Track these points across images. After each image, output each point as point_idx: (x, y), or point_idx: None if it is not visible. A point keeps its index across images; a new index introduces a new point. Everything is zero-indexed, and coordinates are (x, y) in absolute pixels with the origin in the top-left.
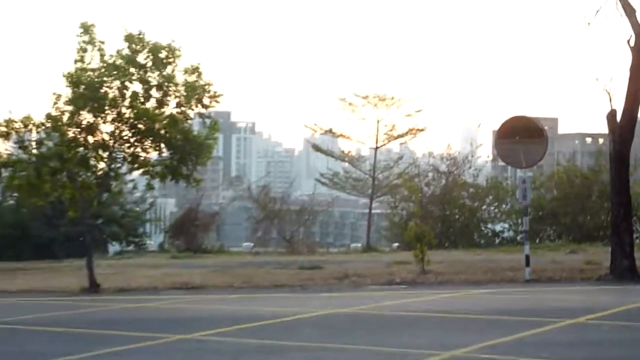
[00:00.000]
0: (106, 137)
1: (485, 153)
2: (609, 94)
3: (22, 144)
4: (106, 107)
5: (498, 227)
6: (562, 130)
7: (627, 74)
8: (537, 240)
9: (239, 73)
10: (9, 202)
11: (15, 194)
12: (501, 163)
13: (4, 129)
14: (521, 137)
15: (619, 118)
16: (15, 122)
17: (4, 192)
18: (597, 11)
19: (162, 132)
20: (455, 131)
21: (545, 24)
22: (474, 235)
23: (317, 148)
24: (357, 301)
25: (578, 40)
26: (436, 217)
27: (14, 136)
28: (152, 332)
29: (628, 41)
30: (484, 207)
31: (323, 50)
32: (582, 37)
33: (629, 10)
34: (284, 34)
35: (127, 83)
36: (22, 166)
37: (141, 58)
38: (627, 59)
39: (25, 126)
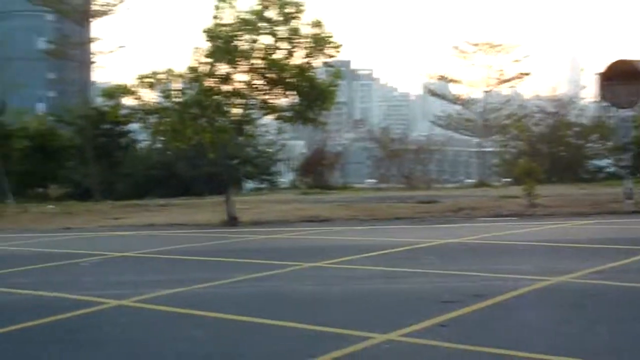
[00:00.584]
0: (240, 86)
1: (589, 95)
2: None
3: (166, 93)
4: (239, 59)
5: (602, 163)
6: None
7: None
8: (638, 174)
9: (357, 23)
10: (156, 146)
11: (162, 138)
12: (605, 103)
13: (150, 79)
14: (623, 79)
15: None
16: (160, 73)
17: (151, 137)
18: None
19: (291, 80)
20: (561, 74)
21: None
22: (579, 170)
23: (432, 92)
24: (469, 232)
25: None
26: (543, 155)
27: (159, 86)
28: (285, 261)
29: None
30: (589, 144)
31: (435, 1)
32: None
33: None
34: None
35: (258, 36)
36: (166, 113)
37: (271, 13)
38: None
39: (169, 77)
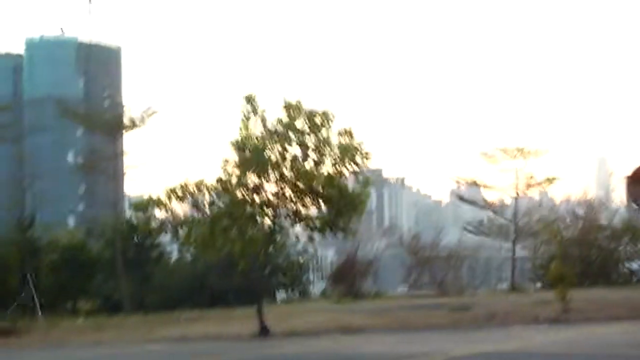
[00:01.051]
0: (270, 196)
1: (618, 197)
2: None
3: (196, 205)
4: (269, 169)
5: (635, 266)
6: None
7: None
8: None
9: (389, 132)
10: (186, 257)
11: (192, 249)
12: (634, 206)
13: (180, 192)
14: None
15: None
16: (190, 186)
17: (181, 248)
18: None
19: (320, 189)
20: (591, 177)
21: None
22: (611, 274)
23: (462, 199)
24: (504, 339)
25: None
26: (575, 258)
27: (189, 198)
28: None
29: None
30: (621, 247)
31: (463, 109)
32: None
33: None
34: (425, 97)
35: (287, 146)
36: (197, 225)
37: (299, 124)
38: None
39: (199, 189)
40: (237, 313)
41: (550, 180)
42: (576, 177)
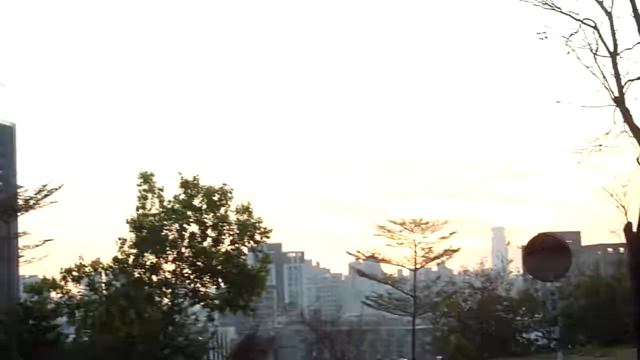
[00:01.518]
0: (168, 275)
1: (515, 268)
2: (624, 208)
3: (92, 286)
4: (167, 248)
5: (532, 336)
6: (585, 242)
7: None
8: (569, 346)
9: (287, 207)
10: (84, 339)
11: (89, 332)
12: (530, 276)
13: (75, 273)
14: (547, 252)
15: (635, 230)
16: (86, 266)
17: (78, 331)
18: (606, 134)
19: (219, 267)
20: (487, 248)
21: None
22: (510, 344)
23: (361, 273)
24: None
25: (590, 159)
26: (474, 330)
27: (84, 279)
28: None
29: (637, 159)
30: (518, 317)
31: (359, 185)
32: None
33: (636, 132)
34: (320, 170)
35: (185, 225)
36: (93, 306)
37: (197, 201)
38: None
39: (95, 269)
40: None
41: (448, 252)
42: (473, 248)
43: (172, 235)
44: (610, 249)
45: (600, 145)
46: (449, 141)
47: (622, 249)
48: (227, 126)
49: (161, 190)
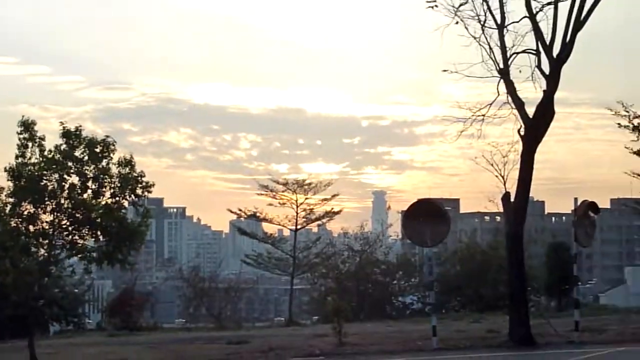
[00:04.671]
0: (46, 226)
1: (394, 232)
2: (503, 178)
3: None
4: (46, 199)
5: (408, 300)
6: (463, 209)
7: (519, 160)
8: (444, 311)
9: (169, 162)
10: None
11: None
12: (409, 241)
13: None
14: (426, 218)
15: (512, 200)
16: None
17: None
18: (490, 104)
19: (98, 220)
20: (367, 212)
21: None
22: (386, 307)
23: (242, 231)
24: None
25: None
26: (352, 292)
27: None
28: None
29: (519, 131)
30: (395, 281)
31: (243, 143)
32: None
33: (519, 104)
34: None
35: (65, 176)
36: None
37: (78, 153)
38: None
39: None
40: (7, 346)
41: (329, 214)
42: (354, 211)
43: (52, 186)
44: (487, 218)
45: (483, 115)
46: (338, 101)
47: (499, 218)
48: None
49: (42, 139)
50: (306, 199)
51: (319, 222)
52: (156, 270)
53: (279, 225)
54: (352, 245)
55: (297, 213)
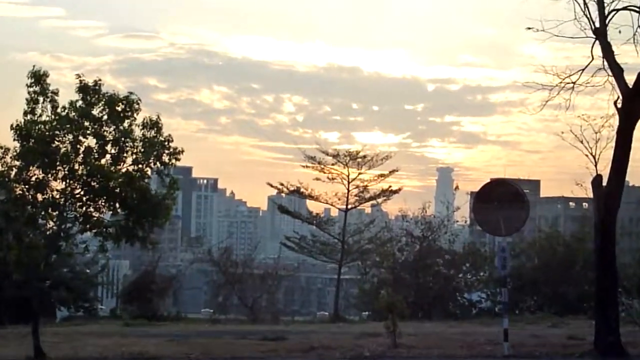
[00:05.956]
0: (57, 195)
1: (462, 217)
2: (594, 158)
3: None
4: (57, 163)
5: (475, 297)
6: (544, 193)
7: (614, 137)
8: (517, 312)
9: (199, 126)
10: None
11: None
12: (479, 228)
13: None
14: (500, 202)
15: (604, 184)
16: None
17: None
18: (581, 70)
19: (117, 190)
20: (430, 192)
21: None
22: (449, 305)
23: (282, 209)
24: None
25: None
26: (409, 285)
27: None
28: None
29: (615, 103)
30: (461, 275)
31: (287, 105)
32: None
33: (617, 70)
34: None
35: (80, 137)
36: None
37: (96, 111)
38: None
39: None
40: (9, 332)
41: (386, 193)
42: (415, 190)
43: (65, 149)
44: (572, 204)
45: (573, 82)
46: (399, 61)
47: (586, 205)
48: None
49: (55, 93)
50: (359, 174)
51: (374, 202)
52: (181, 251)
53: (327, 203)
54: (412, 230)
55: (348, 190)
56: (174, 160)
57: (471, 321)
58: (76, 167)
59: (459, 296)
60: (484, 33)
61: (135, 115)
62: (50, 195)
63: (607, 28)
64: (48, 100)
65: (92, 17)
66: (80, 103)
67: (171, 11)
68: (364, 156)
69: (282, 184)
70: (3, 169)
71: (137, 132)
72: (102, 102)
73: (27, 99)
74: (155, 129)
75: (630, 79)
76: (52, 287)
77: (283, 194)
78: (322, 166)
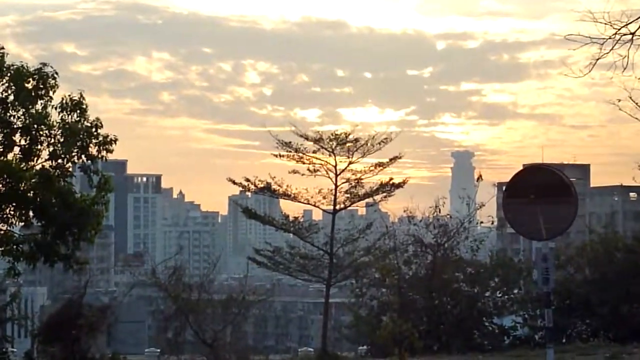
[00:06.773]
0: None
1: (487, 216)
2: None
3: None
4: None
5: (508, 322)
6: (596, 182)
7: None
8: (564, 339)
9: (134, 105)
10: None
11: None
12: (510, 230)
13: None
14: (539, 195)
15: None
16: None
17: None
18: None
19: (30, 194)
20: (445, 184)
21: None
22: (474, 333)
23: (249, 213)
24: None
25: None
26: (420, 309)
27: None
28: None
29: None
30: (488, 293)
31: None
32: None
33: None
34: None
35: None
36: None
37: (0, 89)
38: None
39: None
40: None
41: (386, 188)
42: (424, 182)
43: None
44: (633, 194)
45: (632, 34)
46: (398, 11)
47: None
48: None
49: None
50: (350, 163)
51: (370, 200)
52: (116, 273)
53: (308, 204)
54: (422, 236)
55: (335, 186)
56: (104, 153)
57: (503, 353)
58: None
59: (487, 321)
60: None
61: (51, 94)
62: None
63: None
64: None
65: None
66: None
67: None
68: (356, 140)
69: (247, 180)
70: None
71: (55, 116)
72: (7, 79)
73: None
74: (79, 111)
75: None
76: None
77: (249, 193)
78: (300, 155)
